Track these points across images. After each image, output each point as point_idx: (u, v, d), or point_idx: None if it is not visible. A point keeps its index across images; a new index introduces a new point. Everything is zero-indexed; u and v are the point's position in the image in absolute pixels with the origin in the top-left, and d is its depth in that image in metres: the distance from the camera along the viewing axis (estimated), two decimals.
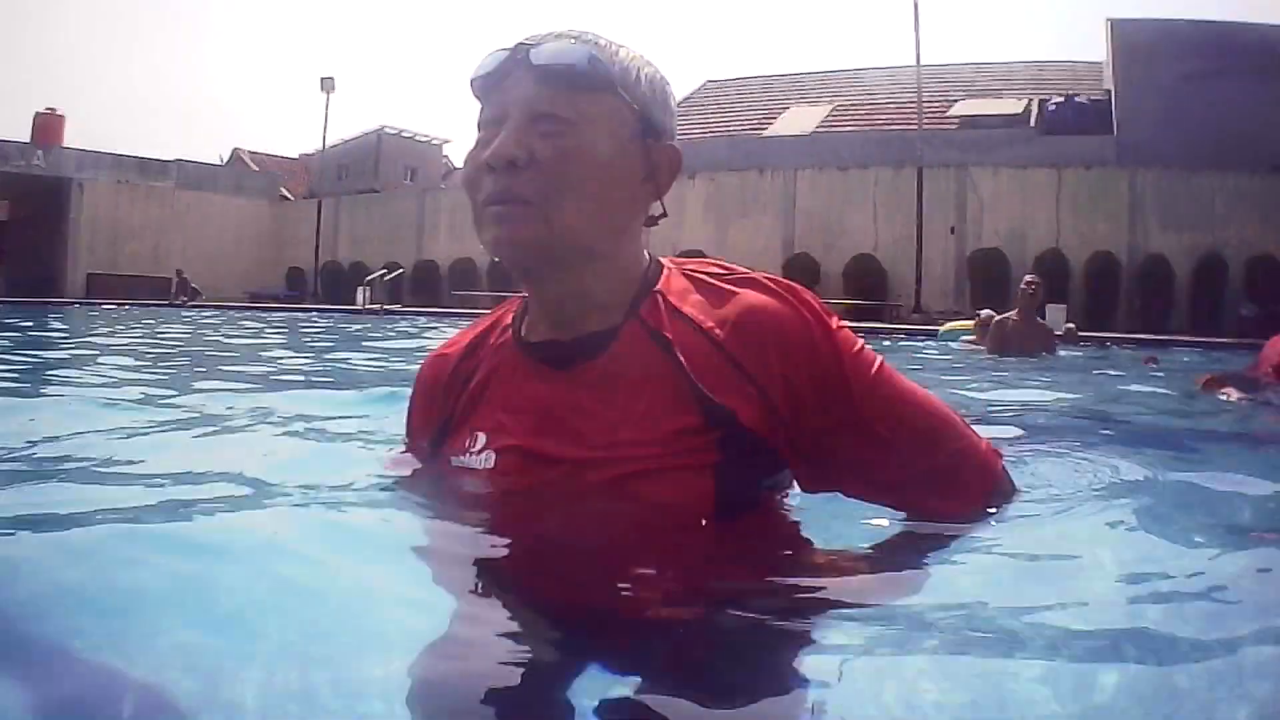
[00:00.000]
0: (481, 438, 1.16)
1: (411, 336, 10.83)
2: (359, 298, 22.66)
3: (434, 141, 31.10)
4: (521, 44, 1.11)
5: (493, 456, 1.14)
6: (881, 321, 21.01)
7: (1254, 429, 3.76)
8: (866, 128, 25.81)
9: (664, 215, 1.18)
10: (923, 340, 13.65)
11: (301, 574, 1.02)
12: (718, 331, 1.09)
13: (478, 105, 1.14)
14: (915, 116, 22.43)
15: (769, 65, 79.33)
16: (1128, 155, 23.15)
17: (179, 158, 30.83)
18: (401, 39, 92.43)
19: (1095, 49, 27.94)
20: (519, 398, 1.15)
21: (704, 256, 1.26)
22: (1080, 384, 5.86)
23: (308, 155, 33.56)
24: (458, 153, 35.01)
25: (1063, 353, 8.30)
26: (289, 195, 32.46)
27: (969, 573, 1.10)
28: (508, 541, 1.12)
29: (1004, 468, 1.25)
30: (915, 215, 21.78)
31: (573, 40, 1.10)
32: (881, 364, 1.14)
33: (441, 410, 1.23)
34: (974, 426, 1.24)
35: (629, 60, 1.12)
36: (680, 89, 40.26)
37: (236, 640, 0.87)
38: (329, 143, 30.04)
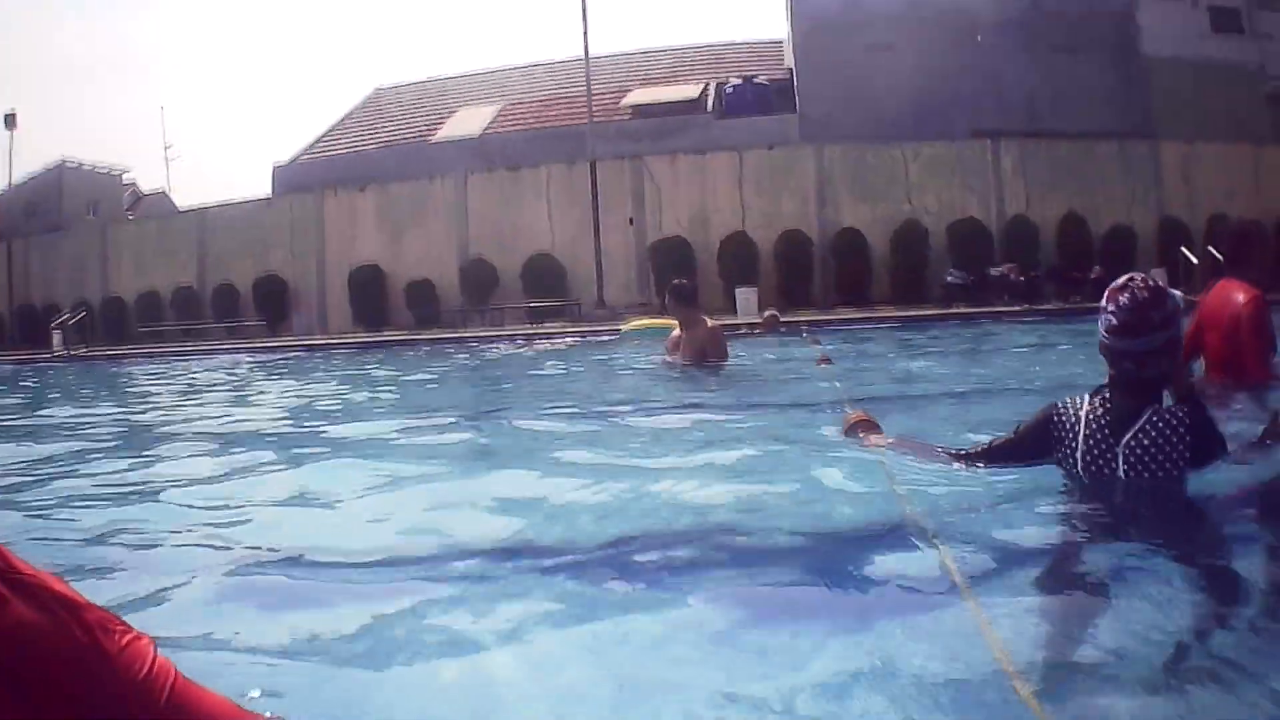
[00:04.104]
0: None
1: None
2: (54, 341, 22.28)
3: (114, 172, 29.60)
4: None
5: None
6: (564, 321, 20.61)
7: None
8: (536, 125, 25.34)
9: None
10: (607, 341, 13.36)
11: None
12: None
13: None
14: (586, 110, 22.00)
15: (441, 67, 79.21)
16: (812, 132, 23.21)
17: None
18: (76, 68, 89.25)
19: (778, 28, 27.93)
20: None
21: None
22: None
23: None
24: (140, 181, 33.85)
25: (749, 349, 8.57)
26: None
27: None
28: None
29: None
30: (591, 210, 21.50)
31: None
32: (172, 684, 1.08)
33: None
34: None
35: None
36: (350, 98, 39.20)
37: None
38: (15, 180, 28.47)
